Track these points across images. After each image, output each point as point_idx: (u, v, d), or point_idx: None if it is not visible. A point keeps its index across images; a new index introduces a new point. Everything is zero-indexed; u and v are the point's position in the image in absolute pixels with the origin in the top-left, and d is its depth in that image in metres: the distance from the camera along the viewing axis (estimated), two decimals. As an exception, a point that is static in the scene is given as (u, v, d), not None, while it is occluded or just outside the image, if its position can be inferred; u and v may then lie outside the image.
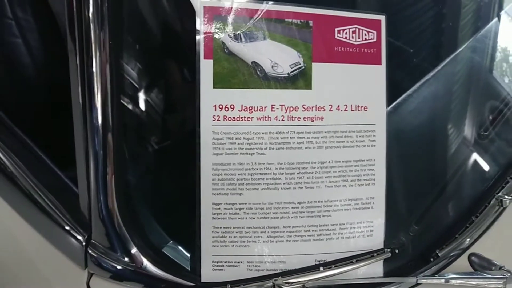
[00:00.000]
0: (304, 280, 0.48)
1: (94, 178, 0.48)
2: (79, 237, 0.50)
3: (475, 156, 0.64)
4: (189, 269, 0.51)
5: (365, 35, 0.49)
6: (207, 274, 0.49)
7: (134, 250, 0.49)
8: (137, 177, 0.50)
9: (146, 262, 0.49)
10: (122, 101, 0.46)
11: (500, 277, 0.51)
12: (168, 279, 0.49)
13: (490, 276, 0.51)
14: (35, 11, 0.75)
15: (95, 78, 0.45)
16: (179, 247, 0.52)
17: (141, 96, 0.48)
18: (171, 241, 0.53)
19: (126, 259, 0.49)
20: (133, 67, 0.47)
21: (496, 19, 0.74)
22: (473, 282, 0.51)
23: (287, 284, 0.48)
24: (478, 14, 0.71)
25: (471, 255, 0.56)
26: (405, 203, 0.57)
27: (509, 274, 0.52)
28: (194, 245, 0.50)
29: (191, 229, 0.50)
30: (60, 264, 0.51)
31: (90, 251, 0.50)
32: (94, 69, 0.45)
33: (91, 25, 0.44)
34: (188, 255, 0.52)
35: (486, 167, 0.64)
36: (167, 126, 0.50)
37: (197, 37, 0.45)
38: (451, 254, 0.55)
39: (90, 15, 0.44)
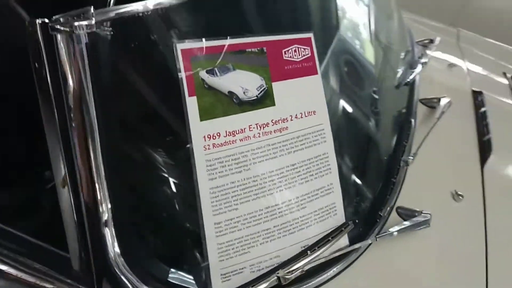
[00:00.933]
0: (300, 266, 0.59)
1: (91, 231, 0.50)
2: None
3: (377, 131, 0.81)
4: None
5: (303, 51, 0.60)
6: (218, 286, 0.56)
7: (143, 288, 0.53)
8: (134, 217, 0.53)
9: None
10: (114, 144, 0.49)
11: (424, 220, 0.69)
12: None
13: (419, 221, 0.69)
14: None
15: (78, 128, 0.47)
16: (182, 272, 0.57)
17: (134, 137, 0.51)
18: (171, 269, 0.57)
19: None
20: (125, 110, 0.50)
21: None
22: (412, 229, 0.67)
23: (289, 274, 0.57)
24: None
25: (398, 208, 0.73)
26: (345, 181, 0.71)
27: (429, 216, 0.70)
28: (195, 266, 0.56)
29: (189, 252, 0.56)
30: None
31: (100, 305, 0.51)
32: (76, 122, 0.47)
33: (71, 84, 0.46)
34: (191, 276, 0.57)
35: (388, 137, 0.82)
36: (162, 162, 0.54)
37: (180, 77, 0.50)
38: (386, 213, 0.71)
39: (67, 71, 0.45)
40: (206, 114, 0.52)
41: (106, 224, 0.50)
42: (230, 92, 0.53)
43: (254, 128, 0.55)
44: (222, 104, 0.53)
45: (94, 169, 0.49)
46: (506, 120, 1.02)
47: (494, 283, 0.68)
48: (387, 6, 1.05)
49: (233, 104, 0.54)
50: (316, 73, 0.62)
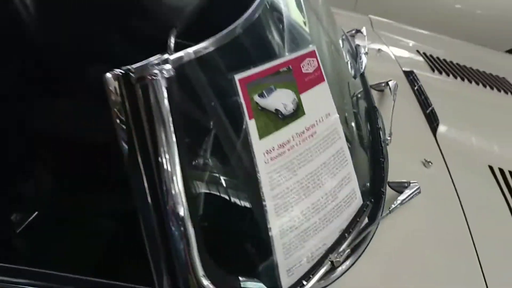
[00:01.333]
0: (345, 247, 0.68)
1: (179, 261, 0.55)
2: None
3: (358, 120, 0.94)
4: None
5: (312, 63, 0.69)
6: (285, 282, 0.63)
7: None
8: (210, 232, 0.58)
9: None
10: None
11: (417, 188, 0.83)
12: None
13: (413, 189, 0.83)
14: None
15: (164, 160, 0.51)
16: (252, 277, 0.63)
17: (210, 161, 0.56)
18: (240, 277, 0.63)
19: None
20: (198, 142, 0.55)
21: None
22: (411, 197, 0.81)
23: (339, 256, 0.67)
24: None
25: (389, 183, 0.87)
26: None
27: (418, 184, 0.84)
28: (264, 269, 0.63)
29: (258, 257, 0.63)
30: None
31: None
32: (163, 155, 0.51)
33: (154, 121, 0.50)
34: (261, 279, 0.64)
35: (364, 123, 0.95)
36: (234, 179, 0.59)
37: (240, 103, 0.56)
38: (385, 189, 0.84)
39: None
40: (263, 132, 0.58)
41: (188, 242, 0.55)
42: (276, 109, 0.60)
43: (295, 137, 0.63)
44: (271, 121, 0.60)
45: (179, 203, 0.53)
46: (438, 90, 1.22)
47: (476, 229, 0.84)
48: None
49: (279, 119, 0.61)
50: (324, 80, 0.71)
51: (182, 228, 0.53)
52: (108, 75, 0.48)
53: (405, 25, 1.75)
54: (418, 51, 1.49)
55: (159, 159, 0.50)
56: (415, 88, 1.22)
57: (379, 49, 1.38)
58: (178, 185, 0.51)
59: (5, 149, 1.07)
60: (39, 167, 1.19)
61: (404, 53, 1.45)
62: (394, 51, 1.41)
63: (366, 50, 1.20)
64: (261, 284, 0.64)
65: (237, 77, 0.56)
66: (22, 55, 1.21)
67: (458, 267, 0.79)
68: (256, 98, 0.58)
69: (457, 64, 1.47)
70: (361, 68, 1.09)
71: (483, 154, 1.05)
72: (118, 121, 0.49)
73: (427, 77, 1.30)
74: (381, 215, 0.78)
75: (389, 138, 0.92)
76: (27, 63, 1.24)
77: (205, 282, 0.56)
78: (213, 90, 0.55)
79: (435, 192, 0.90)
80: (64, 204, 1.13)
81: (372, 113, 0.99)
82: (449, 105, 1.17)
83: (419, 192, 0.84)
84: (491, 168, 1.00)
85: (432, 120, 1.09)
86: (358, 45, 1.23)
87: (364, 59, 1.14)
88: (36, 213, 1.12)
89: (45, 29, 1.01)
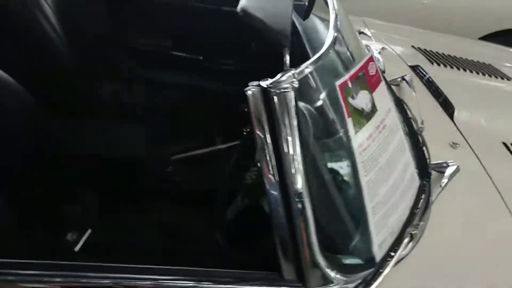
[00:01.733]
0: (417, 220, 0.81)
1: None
2: None
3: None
4: (362, 262, 0.75)
5: (374, 66, 0.81)
6: (378, 255, 0.75)
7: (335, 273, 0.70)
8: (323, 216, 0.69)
9: (349, 275, 0.71)
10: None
11: (455, 167, 0.96)
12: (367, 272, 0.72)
13: (453, 169, 0.96)
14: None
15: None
16: (350, 254, 0.74)
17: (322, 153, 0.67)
18: (339, 256, 0.74)
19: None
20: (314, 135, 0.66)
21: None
22: (454, 175, 0.94)
23: (416, 229, 0.79)
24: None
25: (431, 165, 1.00)
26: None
27: (455, 164, 0.98)
28: (361, 245, 0.74)
29: (356, 234, 0.74)
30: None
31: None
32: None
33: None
34: (351, 255, 0.75)
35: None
36: (336, 176, 0.70)
37: (340, 104, 0.67)
38: (430, 170, 0.97)
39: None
40: (356, 128, 0.70)
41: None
42: (362, 108, 0.72)
43: (375, 130, 0.75)
44: (360, 118, 0.71)
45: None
46: (443, 81, 1.37)
47: (507, 196, 0.98)
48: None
49: (364, 116, 0.72)
50: (382, 80, 0.83)
51: (300, 206, 0.64)
52: (252, 89, 0.58)
53: (394, 23, 1.92)
54: (413, 47, 1.64)
55: (288, 150, 0.61)
56: (424, 80, 1.36)
57: (383, 48, 1.52)
58: (299, 168, 0.62)
59: (51, 173, 1.15)
60: (84, 187, 1.26)
61: (403, 50, 1.59)
62: (395, 49, 1.55)
63: (378, 50, 1.33)
64: (358, 259, 0.75)
65: (337, 83, 0.67)
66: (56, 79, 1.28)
67: (498, 225, 0.92)
68: (350, 99, 0.69)
69: (448, 55, 1.63)
70: (381, 65, 1.22)
71: (495, 133, 1.20)
72: (257, 123, 0.59)
73: (430, 70, 1.45)
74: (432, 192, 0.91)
75: (422, 126, 1.05)
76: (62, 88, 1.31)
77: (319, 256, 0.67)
78: (322, 96, 0.66)
79: (467, 168, 1.04)
80: (113, 219, 1.21)
81: (399, 106, 1.12)
82: (457, 93, 1.31)
83: (459, 170, 0.97)
84: (505, 144, 1.15)
85: (448, 107, 1.23)
86: (368, 46, 1.37)
87: (380, 57, 1.27)
88: (90, 230, 1.20)
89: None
